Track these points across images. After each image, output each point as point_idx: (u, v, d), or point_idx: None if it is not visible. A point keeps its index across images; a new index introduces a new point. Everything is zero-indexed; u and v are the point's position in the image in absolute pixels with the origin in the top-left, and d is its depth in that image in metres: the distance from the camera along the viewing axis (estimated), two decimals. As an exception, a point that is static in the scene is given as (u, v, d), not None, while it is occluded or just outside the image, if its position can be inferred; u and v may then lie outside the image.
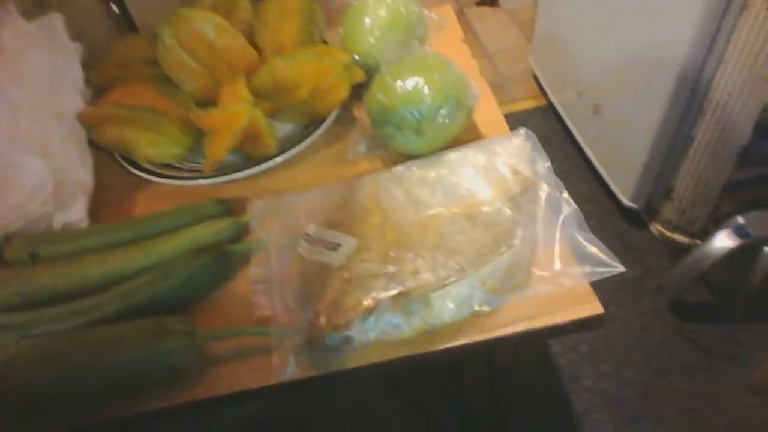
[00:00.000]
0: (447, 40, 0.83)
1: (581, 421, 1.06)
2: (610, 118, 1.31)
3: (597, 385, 1.11)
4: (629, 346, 1.16)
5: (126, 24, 0.90)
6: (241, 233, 0.64)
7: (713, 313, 1.19)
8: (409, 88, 0.63)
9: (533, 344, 0.89)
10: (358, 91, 0.74)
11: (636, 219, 1.35)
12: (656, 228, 1.30)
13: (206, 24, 0.73)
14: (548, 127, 1.63)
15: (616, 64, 1.24)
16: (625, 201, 1.30)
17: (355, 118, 0.76)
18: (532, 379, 1.03)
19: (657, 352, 1.14)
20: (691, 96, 1.06)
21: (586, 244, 0.57)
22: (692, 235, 1.23)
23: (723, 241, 1.04)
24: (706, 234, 1.18)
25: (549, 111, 1.67)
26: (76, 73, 0.77)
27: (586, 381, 1.12)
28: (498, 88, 1.79)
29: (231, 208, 0.66)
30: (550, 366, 1.13)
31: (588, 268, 0.55)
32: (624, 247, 1.27)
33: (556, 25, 1.53)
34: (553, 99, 1.62)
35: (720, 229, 1.05)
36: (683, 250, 1.23)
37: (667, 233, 1.27)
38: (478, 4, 2.16)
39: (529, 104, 1.73)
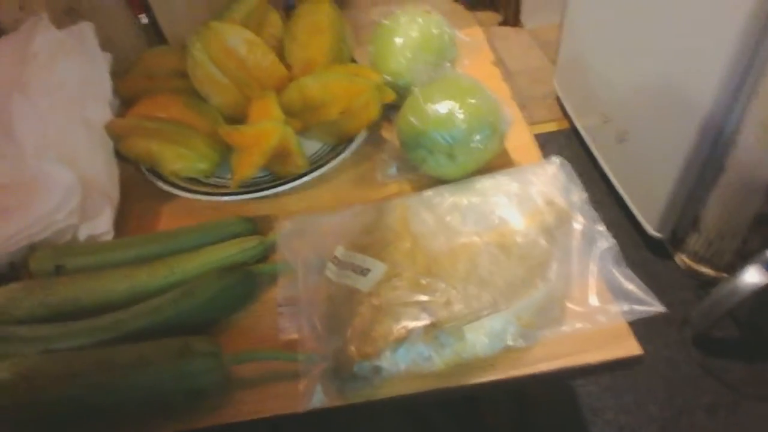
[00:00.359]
0: (478, 63, 0.82)
1: (602, 457, 1.04)
2: (636, 144, 1.29)
3: (618, 419, 1.08)
4: (652, 380, 1.13)
5: (155, 34, 0.90)
6: (268, 253, 0.63)
7: (740, 350, 1.16)
8: (443, 111, 0.62)
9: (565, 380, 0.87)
10: (387, 111, 0.73)
11: (660, 249, 1.32)
12: (681, 259, 1.27)
13: (237, 39, 0.72)
14: (571, 151, 1.61)
15: (643, 91, 1.22)
16: (650, 230, 1.28)
17: (384, 139, 0.75)
18: (553, 411, 1.01)
19: (681, 387, 1.11)
20: (722, 125, 1.04)
21: (623, 280, 0.55)
22: (719, 268, 1.21)
23: (753, 276, 1.01)
24: (733, 267, 1.16)
25: (572, 135, 1.65)
26: (105, 83, 0.77)
27: (608, 414, 1.09)
28: (520, 109, 1.78)
29: (258, 226, 0.65)
30: (571, 397, 1.11)
31: (625, 306, 0.53)
32: (647, 278, 1.23)
33: (582, 48, 1.51)
34: (576, 123, 1.61)
35: (749, 263, 1.03)
36: (709, 283, 1.20)
37: (693, 265, 1.25)
38: (501, 24, 2.16)
39: (551, 127, 1.71)
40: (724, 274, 1.19)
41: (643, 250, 1.33)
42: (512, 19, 2.12)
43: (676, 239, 1.27)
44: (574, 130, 1.63)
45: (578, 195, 0.61)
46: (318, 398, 0.50)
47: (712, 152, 1.08)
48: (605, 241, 0.57)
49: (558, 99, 1.74)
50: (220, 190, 0.70)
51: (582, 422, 1.08)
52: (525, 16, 2.10)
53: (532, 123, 1.74)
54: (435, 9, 0.76)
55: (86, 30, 0.78)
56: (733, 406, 1.08)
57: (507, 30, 2.13)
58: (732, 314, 1.17)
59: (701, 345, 1.17)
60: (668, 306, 0.53)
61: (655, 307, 0.53)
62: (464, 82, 0.65)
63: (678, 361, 1.15)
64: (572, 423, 1.08)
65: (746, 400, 1.09)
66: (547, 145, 1.65)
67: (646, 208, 1.30)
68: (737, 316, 1.18)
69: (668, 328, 1.19)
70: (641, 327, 0.52)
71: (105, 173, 0.70)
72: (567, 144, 1.64)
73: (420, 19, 0.73)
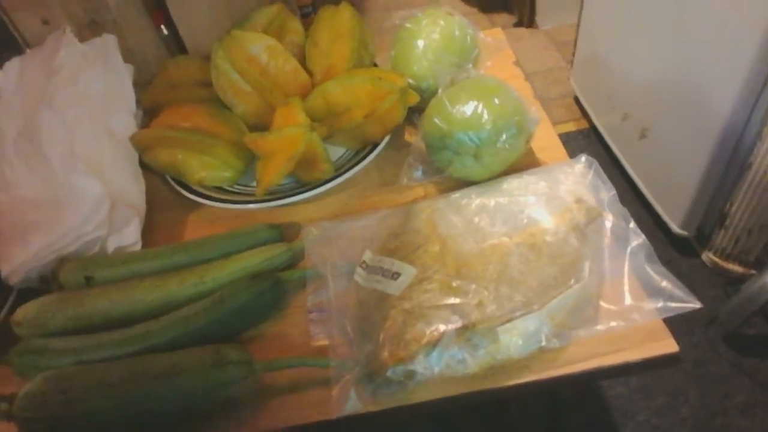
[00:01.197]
0: (500, 63, 0.82)
1: (636, 460, 1.02)
2: (659, 142, 1.28)
3: (650, 421, 1.06)
4: (682, 380, 1.11)
5: (176, 45, 0.90)
6: (296, 259, 0.63)
7: (772, 348, 1.14)
8: (468, 113, 0.62)
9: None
10: (410, 114, 0.73)
11: (686, 247, 1.30)
12: (708, 256, 1.25)
13: (259, 46, 0.73)
14: (591, 150, 1.60)
15: (663, 88, 1.21)
16: (675, 228, 1.27)
17: (408, 142, 0.75)
18: (584, 414, 0.99)
19: (712, 387, 1.09)
20: (747, 120, 1.02)
21: (657, 277, 0.55)
22: (747, 265, 1.19)
23: (783, 272, 0.99)
24: (761, 264, 1.14)
25: (591, 134, 1.64)
26: (128, 94, 0.78)
27: (640, 416, 1.07)
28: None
29: (284, 233, 0.65)
30: (600, 400, 1.09)
31: (660, 303, 0.53)
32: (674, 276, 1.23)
33: (599, 47, 1.50)
34: (596, 122, 1.60)
35: (779, 259, 1.01)
36: (736, 280, 1.18)
37: (720, 262, 1.23)
38: (516, 25, 2.16)
39: (570, 127, 1.70)
40: (753, 271, 1.17)
41: (668, 249, 1.32)
42: (527, 20, 2.11)
43: (702, 237, 1.25)
44: (594, 129, 1.62)
45: (607, 192, 0.61)
46: (352, 404, 0.49)
47: (737, 148, 1.06)
48: (637, 238, 0.57)
49: (576, 98, 1.73)
50: (245, 198, 0.70)
51: (613, 425, 1.06)
52: (540, 17, 2.09)
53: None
54: (455, 11, 0.75)
55: (109, 42, 0.79)
56: (767, 405, 1.06)
57: (522, 31, 2.12)
58: (762, 311, 1.15)
59: (732, 344, 1.15)
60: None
61: (691, 302, 0.52)
62: (489, 82, 0.65)
63: (707, 361, 1.13)
64: (603, 425, 1.06)
65: (781, 398, 1.07)
66: (567, 144, 1.60)
67: (670, 205, 1.28)
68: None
69: (695, 327, 1.17)
70: (667, 326, 0.52)
71: (131, 184, 0.71)
72: (587, 143, 1.63)
73: (442, 21, 0.73)
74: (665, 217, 1.30)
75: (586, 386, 1.01)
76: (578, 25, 1.58)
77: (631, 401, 1.09)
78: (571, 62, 1.70)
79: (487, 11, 2.23)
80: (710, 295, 1.22)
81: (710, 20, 1.02)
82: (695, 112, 1.11)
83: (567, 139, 1.66)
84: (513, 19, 2.17)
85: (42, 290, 0.62)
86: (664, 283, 0.54)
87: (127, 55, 0.81)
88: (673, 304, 0.52)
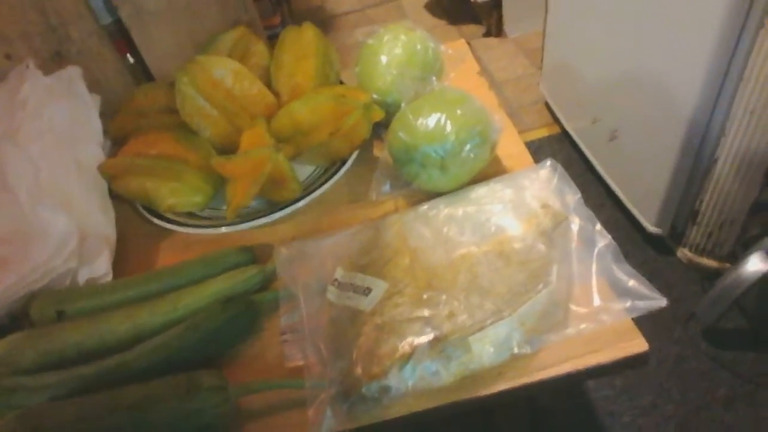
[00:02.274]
0: (464, 74, 0.83)
1: (623, 461, 1.03)
2: (628, 143, 1.30)
3: (636, 421, 1.07)
4: (665, 378, 1.12)
5: (142, 73, 0.90)
6: (268, 281, 0.63)
7: (751, 340, 1.15)
8: (432, 125, 0.62)
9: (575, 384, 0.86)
10: (377, 129, 0.74)
11: (660, 245, 1.32)
12: (683, 253, 1.27)
13: (224, 70, 0.73)
14: (564, 154, 1.62)
15: (629, 89, 1.23)
16: (649, 227, 1.28)
17: (376, 158, 0.76)
18: (570, 418, 0.99)
19: (694, 383, 1.10)
20: (710, 115, 1.04)
21: (624, 277, 0.55)
22: (721, 259, 1.20)
23: (755, 264, 1.01)
24: (734, 257, 1.15)
25: (563, 139, 1.66)
26: (95, 125, 0.78)
27: (625, 417, 1.07)
28: (509, 118, 1.79)
29: (256, 255, 0.65)
30: (587, 402, 1.10)
31: (628, 303, 0.53)
32: (650, 275, 1.23)
33: (565, 52, 1.53)
34: (567, 126, 1.62)
35: (751, 252, 1.02)
36: (712, 275, 1.20)
37: (695, 258, 1.24)
38: (485, 35, 2.18)
39: (542, 133, 1.72)
40: (728, 264, 1.19)
41: (644, 248, 1.33)
42: (495, 29, 2.14)
43: (676, 234, 1.27)
44: (566, 134, 1.64)
45: (572, 196, 0.62)
46: (328, 424, 0.49)
47: (703, 143, 1.08)
48: (603, 239, 0.58)
49: (546, 104, 1.75)
50: (216, 221, 0.70)
51: (599, 427, 1.06)
52: (508, 26, 2.12)
53: (523, 130, 1.75)
54: (416, 25, 0.76)
55: (73, 74, 0.79)
56: (749, 397, 1.07)
57: (491, 41, 2.14)
58: (739, 305, 1.17)
59: (711, 338, 1.16)
60: (674, 301, 0.53)
61: (657, 300, 0.53)
62: (451, 94, 0.66)
63: (688, 356, 1.14)
64: (589, 428, 1.07)
65: (762, 389, 1.07)
66: (540, 150, 1.65)
67: (643, 205, 1.30)
68: (744, 306, 1.17)
69: (675, 324, 1.18)
70: (648, 325, 0.52)
71: (100, 214, 0.70)
72: (559, 148, 1.65)
73: (403, 36, 0.73)
74: (639, 217, 1.31)
75: (569, 389, 1.01)
76: (544, 32, 1.61)
77: (617, 402, 1.10)
78: (540, 69, 1.72)
79: (456, 23, 2.25)
80: (688, 291, 1.24)
81: (669, 20, 1.04)
82: (660, 111, 1.13)
83: (540, 145, 1.68)
84: (481, 29, 2.20)
85: (13, 328, 0.61)
86: (632, 283, 0.54)
87: (94, 86, 0.81)
88: (641, 303, 0.53)
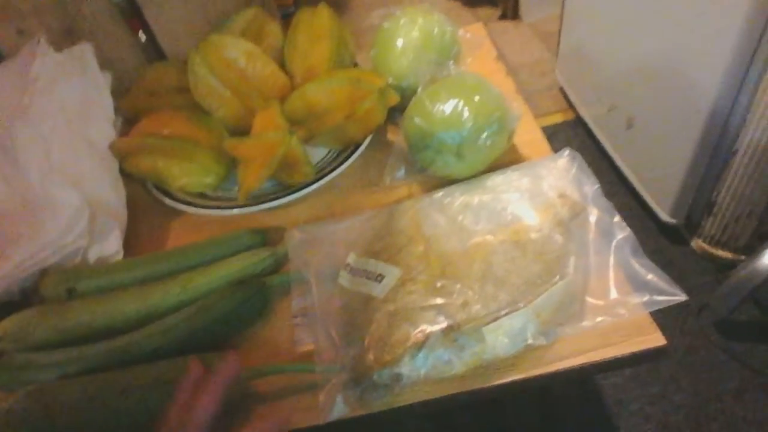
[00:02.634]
0: (481, 59, 0.81)
1: (630, 450, 1.02)
2: (645, 131, 1.28)
3: (644, 410, 1.06)
4: (675, 368, 1.11)
5: (154, 51, 0.89)
6: (280, 264, 0.62)
7: (763, 333, 1.14)
8: (449, 111, 0.61)
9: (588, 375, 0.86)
10: (392, 114, 0.72)
11: (675, 235, 1.30)
12: (697, 244, 1.25)
13: (237, 51, 0.72)
14: (578, 141, 1.60)
15: (648, 76, 1.21)
16: (664, 216, 1.27)
17: (390, 142, 0.75)
18: (577, 405, 0.99)
19: (705, 373, 1.10)
20: (731, 106, 1.02)
21: (642, 270, 0.54)
22: (736, 251, 1.19)
23: (772, 257, 1.00)
24: (750, 249, 1.14)
25: (578, 125, 1.64)
26: (106, 103, 0.77)
27: (633, 405, 1.07)
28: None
29: (268, 238, 0.65)
30: (595, 390, 1.09)
31: (646, 297, 0.52)
32: (663, 264, 1.23)
33: (583, 37, 1.50)
34: (582, 113, 1.59)
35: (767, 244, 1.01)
36: (726, 266, 1.18)
37: (709, 249, 1.23)
38: (500, 18, 2.15)
39: (556, 119, 1.69)
40: (742, 257, 1.18)
41: (658, 237, 1.32)
42: (511, 13, 2.11)
43: (691, 224, 1.25)
44: (580, 120, 1.61)
45: (591, 186, 0.60)
46: (339, 409, 0.49)
47: (722, 134, 1.06)
48: (622, 232, 0.56)
49: (561, 90, 1.73)
50: (227, 203, 0.70)
51: (608, 414, 1.06)
52: (524, 10, 2.09)
53: (537, 115, 1.71)
54: (434, 7, 0.75)
55: (85, 51, 0.78)
56: (761, 389, 1.06)
57: (506, 24, 2.11)
58: (753, 297, 1.15)
59: (723, 330, 1.15)
60: (686, 292, 0.52)
61: (677, 295, 0.52)
62: (468, 79, 0.64)
63: (699, 347, 1.14)
64: (598, 415, 1.07)
65: (774, 383, 1.07)
66: (554, 136, 1.63)
67: (658, 194, 1.28)
68: (758, 298, 1.16)
69: (685, 315, 1.17)
70: (658, 315, 0.51)
71: (111, 193, 0.70)
72: (574, 134, 1.63)
73: (420, 19, 0.72)
74: (654, 206, 1.30)
75: (581, 378, 1.01)
76: (561, 16, 1.58)
77: (625, 390, 1.09)
78: (556, 53, 1.69)
79: (471, 5, 2.22)
80: (701, 282, 1.23)
81: (693, 6, 1.01)
82: (680, 100, 1.11)
83: (554, 131, 1.66)
84: (497, 12, 2.16)
85: (23, 303, 0.61)
86: (650, 276, 0.53)
87: (105, 63, 0.80)
88: (660, 298, 0.52)
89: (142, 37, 0.86)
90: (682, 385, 1.09)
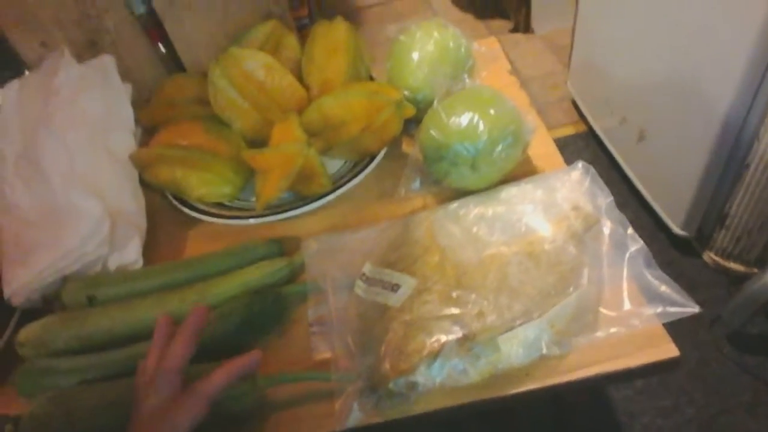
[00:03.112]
0: (495, 72, 0.82)
1: (642, 463, 1.02)
2: (657, 144, 1.28)
3: (655, 422, 1.06)
4: (686, 381, 1.11)
5: (174, 63, 0.91)
6: (296, 273, 0.63)
7: (776, 346, 1.13)
8: (464, 123, 0.62)
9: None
10: (407, 126, 0.74)
11: (686, 247, 1.30)
12: (709, 256, 1.25)
13: (256, 63, 0.73)
14: (589, 153, 1.60)
15: (661, 89, 1.21)
16: (676, 229, 1.27)
17: (405, 154, 0.76)
18: (589, 416, 0.99)
19: (717, 387, 1.09)
20: (744, 120, 1.02)
21: (656, 282, 0.55)
22: (748, 264, 1.19)
23: (785, 270, 0.99)
24: (763, 262, 1.14)
25: (590, 137, 1.64)
26: (127, 114, 0.79)
27: (645, 418, 1.07)
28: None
29: (284, 247, 0.66)
30: (606, 402, 1.09)
31: (659, 308, 0.53)
32: (675, 277, 1.23)
33: (595, 49, 1.51)
34: (593, 125, 1.60)
35: (780, 257, 1.01)
36: (739, 279, 1.18)
37: (721, 261, 1.23)
38: (512, 31, 2.16)
39: (568, 131, 1.70)
40: (755, 270, 1.17)
41: (669, 250, 1.32)
42: (523, 25, 2.12)
43: (703, 237, 1.25)
44: (592, 132, 1.62)
45: (604, 198, 0.61)
46: (355, 416, 0.50)
47: (735, 147, 1.06)
48: (635, 244, 0.57)
49: (573, 102, 1.73)
50: (245, 213, 0.71)
51: (619, 427, 1.06)
52: (536, 22, 2.10)
53: (548, 127, 1.71)
54: (447, 20, 0.76)
55: (107, 62, 0.80)
56: (774, 404, 1.06)
57: (518, 37, 2.12)
58: (765, 310, 1.15)
59: (736, 343, 1.14)
60: (699, 305, 0.52)
61: (690, 307, 0.52)
62: (484, 92, 0.65)
63: (711, 360, 1.13)
64: (609, 428, 1.06)
65: (787, 397, 1.06)
66: (565, 148, 1.63)
67: (670, 207, 1.28)
68: (771, 312, 1.16)
69: (698, 327, 1.17)
70: (670, 327, 0.52)
71: (132, 202, 0.71)
72: (585, 146, 1.63)
73: (436, 33, 0.73)
74: (666, 218, 1.30)
75: (593, 389, 1.01)
76: (574, 29, 1.59)
77: (637, 402, 1.09)
78: (568, 66, 1.70)
79: (483, 18, 2.24)
80: (713, 294, 1.22)
81: (706, 20, 1.02)
82: (693, 113, 1.12)
83: (565, 143, 1.66)
84: (509, 25, 2.18)
85: (45, 310, 0.62)
86: (663, 288, 0.54)
87: (126, 75, 0.82)
88: (673, 309, 0.53)
89: (162, 48, 0.88)
90: (693, 397, 1.09)
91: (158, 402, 0.45)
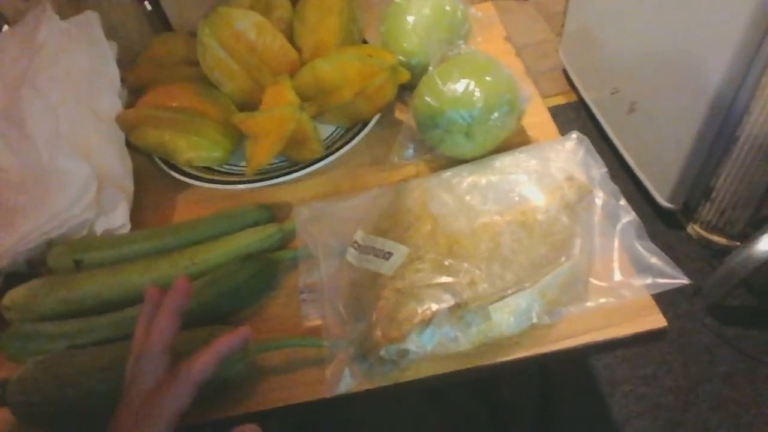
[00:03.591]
0: (490, 39, 0.81)
1: (622, 429, 1.04)
2: (647, 115, 1.28)
3: (636, 391, 1.09)
4: (667, 351, 1.13)
5: (160, 22, 0.88)
6: (287, 240, 0.63)
7: (755, 318, 1.16)
8: (460, 90, 0.61)
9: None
10: (401, 92, 0.72)
11: (672, 220, 1.32)
12: (693, 229, 1.27)
13: (246, 23, 0.71)
14: (579, 123, 1.60)
15: (652, 61, 1.21)
16: (662, 201, 1.28)
17: (398, 120, 0.75)
18: (572, 384, 1.01)
19: (697, 357, 1.12)
20: (735, 93, 1.03)
21: (646, 253, 0.55)
22: (731, 237, 1.21)
23: (766, 244, 1.01)
24: (745, 236, 1.15)
25: (580, 108, 1.64)
26: (113, 73, 0.76)
27: (626, 386, 1.09)
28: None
29: (275, 213, 0.65)
30: (588, 370, 1.11)
31: (649, 279, 0.53)
32: (660, 249, 1.25)
33: (589, 18, 1.49)
34: (584, 95, 1.59)
35: (763, 231, 1.02)
36: (721, 252, 1.20)
37: (705, 234, 1.24)
38: (504, -4, 2.13)
39: (558, 100, 1.70)
40: (737, 243, 1.19)
41: (655, 222, 1.33)
42: (515, -9, 2.09)
43: (689, 210, 1.26)
44: (582, 103, 1.61)
45: (598, 169, 0.61)
46: (346, 383, 0.50)
47: (725, 121, 1.07)
48: (627, 215, 0.57)
49: (564, 71, 1.72)
50: (235, 178, 0.70)
51: (600, 395, 1.08)
52: (528, -12, 2.07)
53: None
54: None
55: (91, 19, 0.77)
56: (750, 373, 1.08)
57: (511, 3, 2.09)
58: (746, 283, 1.17)
59: (716, 314, 1.17)
60: (687, 277, 0.53)
61: (680, 278, 0.53)
62: (480, 59, 0.64)
63: (691, 330, 1.16)
64: (591, 396, 1.09)
65: (764, 366, 1.09)
66: (556, 118, 1.60)
67: (657, 179, 1.29)
68: (751, 284, 1.18)
69: (680, 299, 1.19)
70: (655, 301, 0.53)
71: (118, 165, 0.70)
72: (575, 117, 1.63)
73: (431, -4, 0.72)
74: (653, 191, 1.31)
75: (576, 359, 1.02)
76: (567, -3, 1.57)
77: (618, 371, 1.11)
78: (560, 34, 1.69)
79: (475, -17, 2.20)
80: (695, 267, 1.24)
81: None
82: (684, 86, 1.12)
83: (556, 113, 1.64)
84: (501, -10, 2.15)
85: (30, 274, 0.61)
86: (654, 260, 0.55)
87: (110, 33, 0.79)
88: (662, 280, 0.53)
89: (148, 6, 0.85)
90: (673, 367, 1.11)
91: (144, 386, 0.44)
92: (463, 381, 0.52)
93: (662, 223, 1.33)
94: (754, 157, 1.05)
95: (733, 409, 1.05)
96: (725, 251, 1.17)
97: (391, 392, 0.51)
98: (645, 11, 1.20)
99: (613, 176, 0.59)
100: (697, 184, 1.20)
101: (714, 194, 1.16)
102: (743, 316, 1.17)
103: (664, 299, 0.50)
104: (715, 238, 1.24)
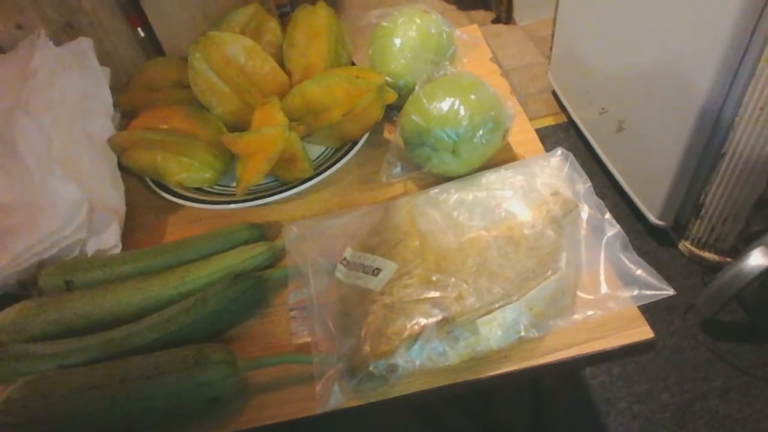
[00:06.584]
0: (476, 60, 0.83)
1: (618, 447, 1.04)
2: (635, 134, 1.30)
3: (632, 408, 1.08)
4: (662, 368, 1.13)
5: (153, 47, 0.90)
6: (277, 258, 0.63)
7: (748, 333, 1.16)
8: (445, 109, 0.62)
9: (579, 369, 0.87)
10: (388, 112, 0.74)
11: (663, 237, 1.33)
12: (685, 246, 1.28)
13: (236, 47, 0.73)
14: (569, 144, 1.62)
15: (639, 80, 1.23)
16: (653, 219, 1.29)
17: (386, 140, 0.76)
18: (567, 403, 1.00)
19: (691, 373, 1.12)
20: (720, 110, 1.04)
21: (632, 266, 0.56)
22: (723, 253, 1.21)
23: (757, 259, 1.02)
24: (736, 251, 1.16)
25: (570, 128, 1.66)
26: (105, 97, 0.78)
27: (621, 404, 1.09)
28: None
29: (265, 232, 0.66)
30: (583, 388, 1.11)
31: (635, 291, 0.54)
32: (652, 266, 1.25)
33: (576, 41, 1.52)
34: (574, 116, 1.61)
35: (753, 246, 1.03)
36: (713, 268, 1.21)
37: (697, 251, 1.25)
38: (494, 21, 2.17)
39: (548, 121, 1.72)
40: (728, 259, 1.20)
41: (646, 240, 1.34)
42: (505, 16, 2.13)
43: (679, 227, 1.27)
44: (572, 123, 1.63)
45: (583, 184, 0.62)
46: (335, 399, 0.50)
47: (711, 138, 1.08)
48: (612, 228, 0.58)
49: (554, 93, 1.75)
50: (225, 198, 0.71)
51: (596, 413, 1.08)
52: (517, 13, 2.11)
53: (529, 118, 1.73)
54: (430, 9, 0.76)
55: (85, 45, 0.79)
56: (745, 389, 1.08)
57: (500, 27, 2.13)
58: (738, 298, 1.18)
59: (709, 330, 1.17)
60: (674, 293, 0.53)
61: (665, 290, 0.53)
62: (465, 78, 0.66)
63: (685, 347, 1.15)
64: (586, 414, 1.08)
65: (758, 381, 1.09)
66: (546, 139, 1.65)
67: (647, 197, 1.30)
68: (744, 299, 1.18)
69: (673, 315, 1.19)
70: (646, 316, 0.53)
71: (110, 187, 0.71)
72: (565, 137, 1.65)
73: (418, 19, 0.73)
74: (643, 209, 1.32)
75: (569, 375, 1.02)
76: (555, 20, 1.60)
77: (613, 389, 1.11)
78: (549, 57, 1.71)
79: (465, 8, 2.24)
80: (688, 283, 1.25)
81: (683, 12, 1.03)
82: (670, 105, 1.13)
83: (546, 133, 1.67)
84: (491, 15, 2.18)
85: (21, 295, 0.61)
86: (639, 272, 0.55)
87: (104, 58, 0.81)
88: (648, 292, 0.54)
89: (141, 32, 0.87)
90: (668, 384, 1.11)
91: None
92: (452, 395, 0.52)
93: (654, 241, 1.34)
94: (741, 173, 1.06)
95: (728, 425, 1.04)
96: (717, 267, 1.18)
97: (382, 407, 0.51)
98: (629, 33, 1.22)
99: (604, 195, 0.60)
100: (686, 201, 1.21)
101: (703, 211, 1.17)
102: (736, 331, 1.17)
103: (658, 316, 0.51)
104: (707, 254, 1.24)
